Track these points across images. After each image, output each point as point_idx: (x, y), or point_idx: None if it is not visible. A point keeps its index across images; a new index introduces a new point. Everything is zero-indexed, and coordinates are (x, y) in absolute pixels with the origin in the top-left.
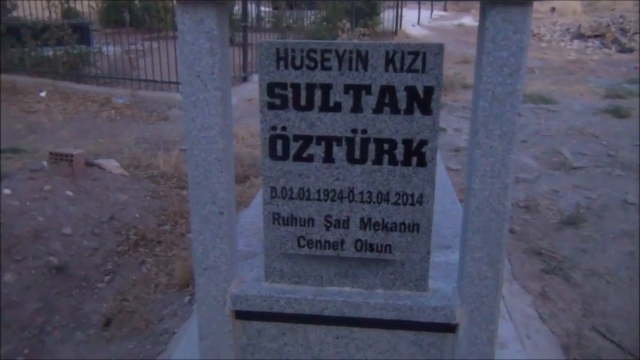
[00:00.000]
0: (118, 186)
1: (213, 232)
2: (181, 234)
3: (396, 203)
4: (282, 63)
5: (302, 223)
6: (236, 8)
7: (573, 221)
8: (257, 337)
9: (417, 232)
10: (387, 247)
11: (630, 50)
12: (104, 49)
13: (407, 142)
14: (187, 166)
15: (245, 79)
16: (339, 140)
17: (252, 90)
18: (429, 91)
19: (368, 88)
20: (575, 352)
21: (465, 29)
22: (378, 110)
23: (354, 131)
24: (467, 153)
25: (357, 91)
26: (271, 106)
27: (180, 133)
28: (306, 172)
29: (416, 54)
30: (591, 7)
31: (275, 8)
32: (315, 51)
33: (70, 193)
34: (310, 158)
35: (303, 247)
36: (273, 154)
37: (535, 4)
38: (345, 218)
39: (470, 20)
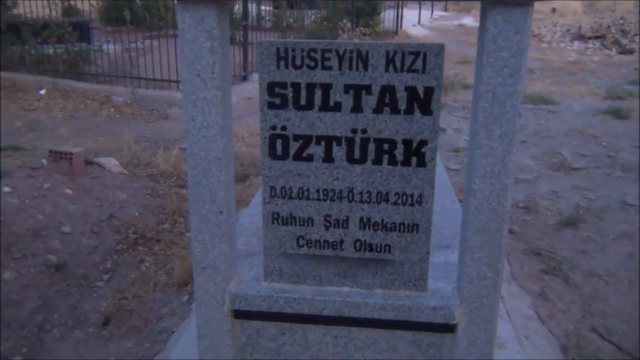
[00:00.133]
0: (118, 184)
1: (212, 232)
2: (180, 233)
3: (395, 203)
4: (282, 62)
5: (301, 223)
6: (236, 7)
7: (573, 222)
8: (256, 337)
9: (417, 232)
10: (387, 247)
11: (631, 51)
12: (104, 47)
13: (407, 143)
14: (187, 165)
15: (245, 78)
16: (338, 140)
17: (252, 89)
18: (429, 91)
19: (368, 88)
20: (574, 353)
21: (466, 29)
22: (378, 110)
23: (354, 131)
24: (467, 153)
25: (357, 90)
26: (271, 106)
27: (180, 131)
28: (306, 172)
29: (416, 54)
30: (592, 8)
31: (275, 7)
32: (315, 50)
33: (69, 191)
34: (310, 158)
35: (303, 246)
36: (272, 154)
37: (535, 4)
38: (345, 218)
39: (470, 20)
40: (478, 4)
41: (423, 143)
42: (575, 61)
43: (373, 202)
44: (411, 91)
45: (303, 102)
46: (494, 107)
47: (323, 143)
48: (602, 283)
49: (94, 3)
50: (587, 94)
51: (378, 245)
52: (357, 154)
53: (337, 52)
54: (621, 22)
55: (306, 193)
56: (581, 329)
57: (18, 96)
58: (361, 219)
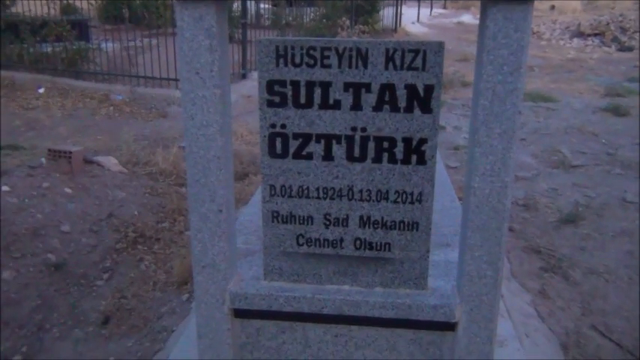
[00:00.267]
0: (117, 183)
1: (212, 230)
2: (180, 231)
3: (395, 201)
4: (281, 60)
5: (301, 222)
6: (235, 5)
7: (572, 219)
8: (256, 336)
9: (417, 230)
10: (387, 246)
11: (630, 49)
12: (103, 45)
13: (407, 141)
14: (186, 164)
15: (244, 76)
16: (338, 138)
17: (251, 87)
18: (429, 89)
19: (368, 86)
20: (574, 351)
21: (465, 27)
22: (377, 108)
23: (354, 129)
24: (466, 151)
25: (356, 88)
26: (271, 104)
27: (179, 130)
28: (306, 170)
29: (416, 52)
30: (591, 6)
31: (274, 5)
32: (314, 48)
33: (68, 190)
34: (310, 156)
35: (302, 245)
36: (272, 152)
37: (535, 2)
38: (345, 216)
39: (469, 18)
40: (477, 2)
41: (422, 141)
42: (575, 58)
43: (373, 201)
44: (411, 89)
45: (302, 100)
46: (494, 105)
47: (323, 141)
48: (601, 280)
49: (93, 1)
50: (586, 92)
51: (378, 243)
52: (356, 152)
53: (337, 50)
54: (620, 19)
55: (305, 191)
56: (581, 327)
57: (17, 95)
58: (361, 217)
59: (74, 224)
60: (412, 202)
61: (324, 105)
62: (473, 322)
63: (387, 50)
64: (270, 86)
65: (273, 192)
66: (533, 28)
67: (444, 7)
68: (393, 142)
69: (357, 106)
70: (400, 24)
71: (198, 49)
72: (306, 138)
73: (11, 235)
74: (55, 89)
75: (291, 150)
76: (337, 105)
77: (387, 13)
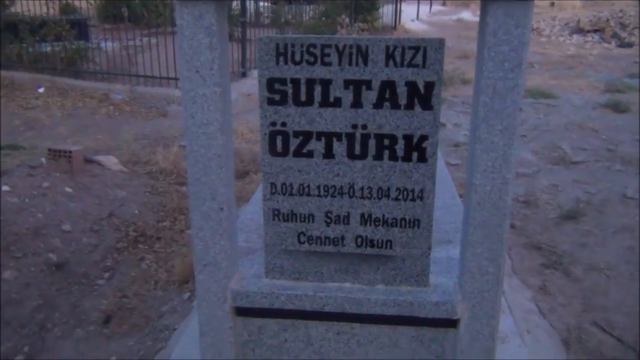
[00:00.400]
0: (117, 182)
1: (213, 229)
2: (181, 230)
3: (396, 199)
4: (281, 58)
5: (302, 219)
6: (235, 3)
7: (573, 216)
8: (258, 334)
9: (418, 227)
10: (388, 243)
11: (630, 45)
12: (102, 44)
13: (407, 138)
14: (187, 163)
15: (244, 75)
16: (339, 136)
17: (251, 85)
18: (429, 86)
19: (368, 84)
20: (576, 347)
21: (464, 24)
22: (378, 105)
23: (355, 127)
24: (467, 148)
25: (357, 86)
26: (271, 102)
27: (180, 129)
28: (306, 168)
29: (416, 49)
30: (591, 2)
31: (274, 3)
32: (314, 46)
33: (69, 189)
34: (310, 154)
35: (304, 243)
36: (272, 150)
37: None
38: (346, 214)
39: (469, 15)
40: None
41: (423, 138)
42: (575, 54)
43: (374, 198)
44: (412, 86)
45: (302, 98)
46: (494, 102)
47: (323, 139)
48: (602, 276)
49: (92, 1)
50: (586, 88)
51: (380, 241)
52: (357, 149)
53: (337, 47)
54: (620, 15)
55: (306, 189)
56: (582, 323)
57: (16, 94)
58: (362, 215)
59: (75, 223)
60: (413, 200)
61: (325, 102)
62: (475, 319)
63: (388, 47)
64: (271, 84)
65: (274, 190)
66: (533, 25)
67: (444, 5)
68: (393, 139)
69: (357, 103)
70: (399, 21)
71: (198, 48)
72: (307, 136)
73: (12, 235)
74: (54, 89)
75: (292, 148)
76: (338, 102)
77: (386, 11)
